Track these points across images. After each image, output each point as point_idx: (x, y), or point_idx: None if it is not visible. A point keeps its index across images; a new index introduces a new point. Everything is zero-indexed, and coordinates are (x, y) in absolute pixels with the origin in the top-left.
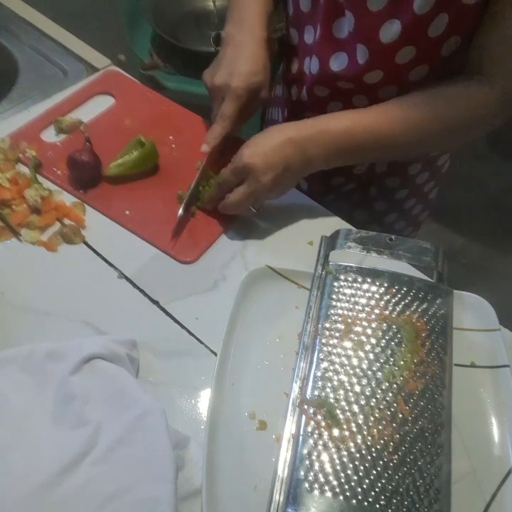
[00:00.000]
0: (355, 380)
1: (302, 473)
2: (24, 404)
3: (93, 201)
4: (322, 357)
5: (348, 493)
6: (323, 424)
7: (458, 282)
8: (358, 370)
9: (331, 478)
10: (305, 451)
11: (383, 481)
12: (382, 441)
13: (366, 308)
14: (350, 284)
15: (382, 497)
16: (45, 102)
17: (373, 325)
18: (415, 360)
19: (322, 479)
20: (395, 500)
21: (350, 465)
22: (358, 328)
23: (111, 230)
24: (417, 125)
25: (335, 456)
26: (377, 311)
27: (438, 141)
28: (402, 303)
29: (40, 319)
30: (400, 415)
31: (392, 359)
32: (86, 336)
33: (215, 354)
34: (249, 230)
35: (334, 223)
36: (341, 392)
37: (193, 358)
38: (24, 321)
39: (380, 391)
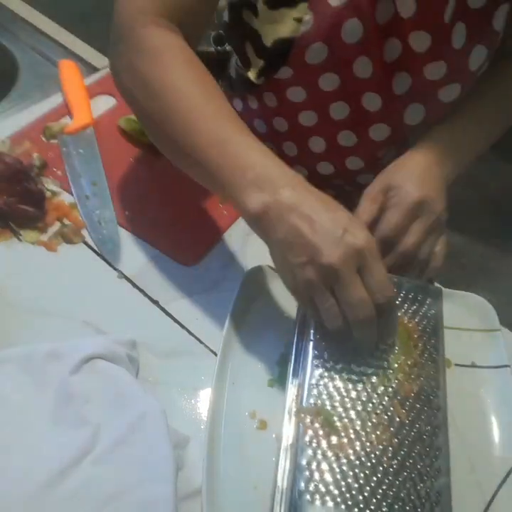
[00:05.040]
0: (350, 385)
1: (303, 484)
2: (24, 405)
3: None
4: (316, 363)
5: (349, 502)
6: (320, 432)
7: (458, 282)
8: (353, 375)
9: (331, 487)
10: (304, 462)
11: (384, 487)
12: (380, 447)
13: None
14: None
15: (384, 503)
16: (45, 101)
17: None
18: (409, 362)
19: (323, 489)
20: (396, 507)
21: (350, 473)
22: None
23: None
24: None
25: (334, 465)
26: None
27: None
28: None
29: (40, 319)
30: (397, 419)
31: (385, 362)
32: (86, 336)
33: (215, 354)
34: (249, 230)
35: None
36: (337, 398)
37: (193, 358)
38: (24, 321)
39: (376, 395)
